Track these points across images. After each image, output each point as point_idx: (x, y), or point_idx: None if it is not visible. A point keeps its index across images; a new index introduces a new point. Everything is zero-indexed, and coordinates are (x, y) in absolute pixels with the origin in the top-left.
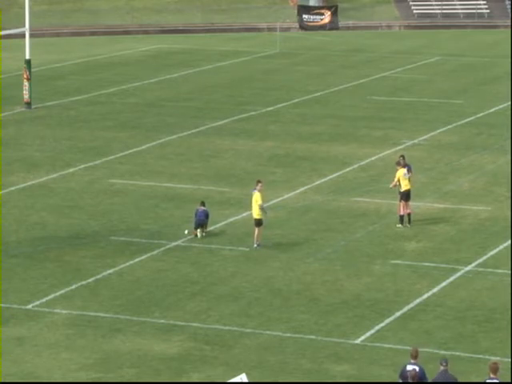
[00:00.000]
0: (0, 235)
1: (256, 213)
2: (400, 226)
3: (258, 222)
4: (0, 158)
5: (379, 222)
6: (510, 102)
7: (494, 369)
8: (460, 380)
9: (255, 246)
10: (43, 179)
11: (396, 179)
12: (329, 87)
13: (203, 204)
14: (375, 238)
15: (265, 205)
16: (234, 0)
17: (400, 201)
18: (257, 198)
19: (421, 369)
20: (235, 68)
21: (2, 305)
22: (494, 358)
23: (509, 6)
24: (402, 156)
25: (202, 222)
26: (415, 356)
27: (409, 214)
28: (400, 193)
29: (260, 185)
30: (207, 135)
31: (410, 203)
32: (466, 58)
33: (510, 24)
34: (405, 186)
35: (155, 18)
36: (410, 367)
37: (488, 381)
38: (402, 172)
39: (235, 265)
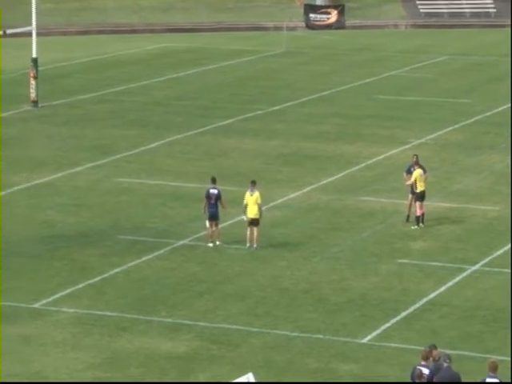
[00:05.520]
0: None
1: (254, 213)
2: (416, 227)
3: (258, 222)
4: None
5: (386, 222)
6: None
7: (493, 367)
8: (465, 379)
9: (254, 246)
10: (50, 178)
11: (413, 179)
12: (335, 86)
13: (214, 181)
14: (382, 238)
15: (271, 204)
16: None
17: (415, 201)
18: (257, 198)
19: (430, 371)
20: (241, 67)
21: (9, 304)
22: (500, 358)
23: None
24: (416, 156)
25: (213, 214)
26: (426, 358)
27: (422, 215)
28: (415, 193)
29: (255, 185)
30: (214, 134)
31: (418, 202)
32: (472, 57)
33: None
34: (420, 186)
35: (162, 17)
36: (418, 368)
37: (488, 379)
38: (419, 172)
39: (242, 264)
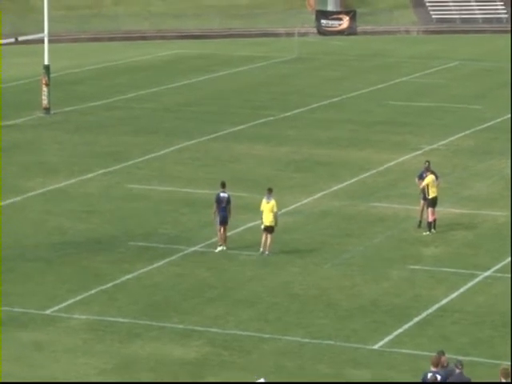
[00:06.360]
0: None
1: (269, 220)
2: (428, 233)
3: (272, 229)
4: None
5: (397, 228)
6: None
7: (505, 373)
8: None
9: (266, 253)
10: (61, 184)
11: (424, 183)
12: (346, 92)
13: (223, 185)
14: (393, 243)
15: (283, 210)
16: (251, 5)
17: (427, 207)
18: (273, 206)
19: (442, 377)
20: (253, 73)
21: (20, 309)
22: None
23: None
24: (428, 161)
25: (224, 218)
26: (436, 364)
27: (434, 221)
28: (427, 199)
29: (272, 193)
30: (225, 140)
31: (430, 208)
32: (484, 63)
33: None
34: (432, 192)
35: (173, 24)
36: (430, 375)
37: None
38: (431, 178)
39: (253, 270)
